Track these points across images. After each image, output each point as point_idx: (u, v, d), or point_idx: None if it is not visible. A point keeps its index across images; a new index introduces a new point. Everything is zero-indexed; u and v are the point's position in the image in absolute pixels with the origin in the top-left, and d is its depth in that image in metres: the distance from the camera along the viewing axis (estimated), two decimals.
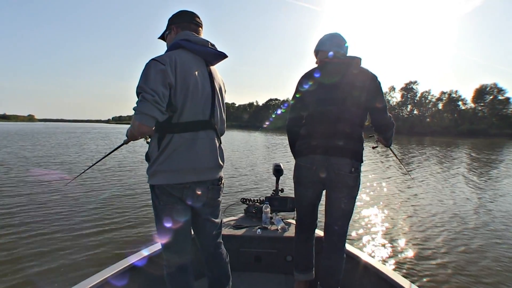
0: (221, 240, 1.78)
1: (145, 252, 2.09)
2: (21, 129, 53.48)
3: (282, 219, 2.64)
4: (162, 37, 1.75)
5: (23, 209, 5.51)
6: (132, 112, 1.46)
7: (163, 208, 1.52)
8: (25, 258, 3.65)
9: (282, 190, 2.92)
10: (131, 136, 1.48)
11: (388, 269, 2.00)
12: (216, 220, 1.71)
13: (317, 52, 2.09)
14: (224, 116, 1.71)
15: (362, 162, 1.91)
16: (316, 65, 2.09)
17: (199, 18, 1.66)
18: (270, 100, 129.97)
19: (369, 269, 2.08)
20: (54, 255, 3.73)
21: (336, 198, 1.90)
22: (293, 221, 2.71)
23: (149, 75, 1.38)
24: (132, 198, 6.61)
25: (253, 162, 13.44)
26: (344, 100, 1.87)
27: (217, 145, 1.62)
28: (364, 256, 2.20)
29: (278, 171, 2.89)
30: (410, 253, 4.08)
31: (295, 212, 2.21)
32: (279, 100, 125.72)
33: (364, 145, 1.94)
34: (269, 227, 2.56)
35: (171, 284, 1.61)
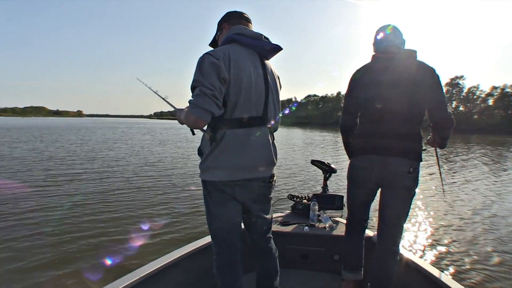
0: (271, 235, 1.77)
1: (191, 247, 2.12)
2: (71, 123, 57.04)
3: (330, 217, 2.61)
4: (213, 42, 1.73)
5: (64, 203, 5.83)
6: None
7: (215, 204, 1.52)
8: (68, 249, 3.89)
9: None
10: (182, 124, 1.51)
11: (445, 276, 1.89)
12: (267, 216, 1.70)
13: (373, 45, 2.02)
14: (279, 113, 1.67)
15: (421, 161, 1.83)
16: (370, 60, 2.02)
17: (247, 15, 1.65)
18: (309, 96, 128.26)
19: (423, 274, 1.98)
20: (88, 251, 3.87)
21: (392, 199, 1.84)
22: (341, 220, 2.67)
23: (204, 69, 1.37)
24: (177, 193, 6.83)
25: (297, 158, 13.34)
26: (399, 97, 1.79)
27: (270, 142, 1.59)
28: (418, 260, 2.10)
29: (328, 169, 2.85)
30: (467, 260, 3.86)
31: (345, 210, 2.18)
32: (318, 96, 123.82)
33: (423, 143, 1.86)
34: (316, 225, 2.54)
35: (221, 279, 1.61)
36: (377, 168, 1.84)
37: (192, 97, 1.38)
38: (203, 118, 1.36)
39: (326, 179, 2.88)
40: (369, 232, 2.35)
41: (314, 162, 2.98)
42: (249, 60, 1.51)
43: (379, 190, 1.94)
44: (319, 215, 2.62)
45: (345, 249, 2.14)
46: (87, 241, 4.04)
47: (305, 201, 2.84)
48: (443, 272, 1.96)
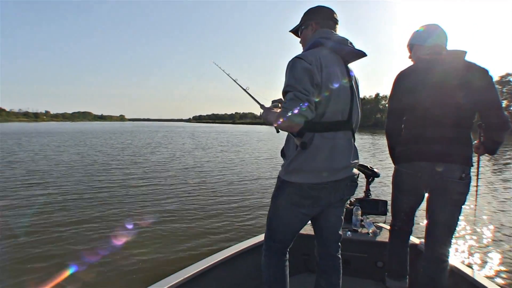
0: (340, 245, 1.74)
1: (234, 249, 2.15)
2: (115, 127, 59.83)
3: (373, 223, 2.56)
4: (295, 31, 1.71)
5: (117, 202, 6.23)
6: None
7: (289, 207, 1.52)
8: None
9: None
10: (268, 124, 1.53)
11: None
12: (342, 217, 1.69)
13: (411, 46, 1.95)
14: (360, 116, 1.65)
15: (472, 166, 1.77)
16: (411, 62, 1.96)
17: (336, 15, 1.62)
18: None
19: (473, 285, 1.89)
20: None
21: (442, 206, 1.79)
22: (385, 225, 2.61)
23: (297, 74, 1.38)
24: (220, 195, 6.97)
25: None
26: (445, 100, 1.73)
27: (353, 144, 1.58)
28: (468, 270, 2.01)
29: (371, 173, 2.80)
30: None
31: (389, 216, 2.13)
32: None
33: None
34: (359, 230, 2.50)
35: (268, 272, 1.62)
36: (425, 176, 1.79)
37: (286, 101, 1.37)
38: (298, 123, 1.36)
39: (368, 183, 2.83)
40: (414, 239, 2.29)
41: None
42: (337, 65, 1.50)
43: (426, 195, 1.88)
44: (362, 220, 2.59)
45: (389, 256, 2.10)
46: (133, 243, 4.25)
47: (347, 205, 2.81)
48: (497, 285, 1.85)
